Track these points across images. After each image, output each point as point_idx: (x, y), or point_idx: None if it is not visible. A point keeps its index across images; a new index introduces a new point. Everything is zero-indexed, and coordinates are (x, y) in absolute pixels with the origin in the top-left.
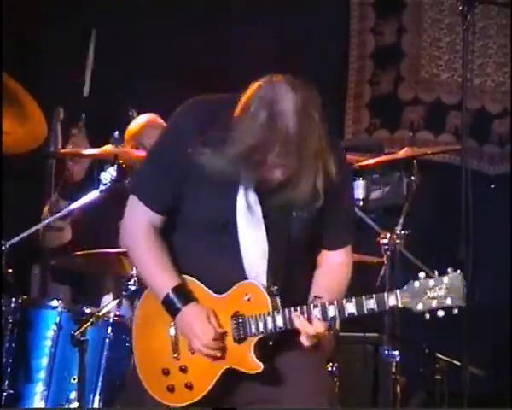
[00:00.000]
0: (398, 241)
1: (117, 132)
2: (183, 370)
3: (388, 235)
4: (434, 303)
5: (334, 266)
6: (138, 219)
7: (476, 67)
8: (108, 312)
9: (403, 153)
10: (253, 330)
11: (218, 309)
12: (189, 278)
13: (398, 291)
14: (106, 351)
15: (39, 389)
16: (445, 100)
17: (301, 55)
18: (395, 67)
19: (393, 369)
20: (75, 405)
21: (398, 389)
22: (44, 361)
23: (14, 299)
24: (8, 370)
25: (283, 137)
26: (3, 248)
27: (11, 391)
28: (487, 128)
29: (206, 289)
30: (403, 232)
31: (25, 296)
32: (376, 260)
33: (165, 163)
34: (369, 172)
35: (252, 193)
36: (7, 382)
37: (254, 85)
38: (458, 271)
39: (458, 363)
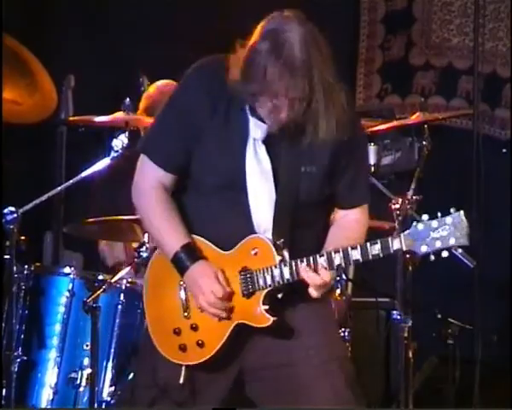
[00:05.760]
0: (409, 206)
1: (128, 99)
2: (194, 328)
3: (400, 200)
4: (438, 244)
5: (349, 223)
6: (148, 178)
7: (488, 31)
8: (121, 278)
9: (414, 118)
10: (261, 283)
11: (227, 266)
12: (197, 238)
13: (402, 235)
14: (118, 318)
15: (52, 355)
16: (456, 65)
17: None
18: (406, 31)
19: (405, 334)
20: (88, 371)
21: (410, 354)
22: (57, 328)
23: (26, 266)
24: (22, 337)
25: (290, 67)
26: (16, 215)
27: (24, 358)
28: (499, 92)
29: (214, 247)
30: (414, 198)
31: (37, 263)
32: (388, 226)
33: (175, 123)
34: (381, 138)
35: (261, 147)
36: (20, 348)
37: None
38: (461, 211)
39: (471, 328)
